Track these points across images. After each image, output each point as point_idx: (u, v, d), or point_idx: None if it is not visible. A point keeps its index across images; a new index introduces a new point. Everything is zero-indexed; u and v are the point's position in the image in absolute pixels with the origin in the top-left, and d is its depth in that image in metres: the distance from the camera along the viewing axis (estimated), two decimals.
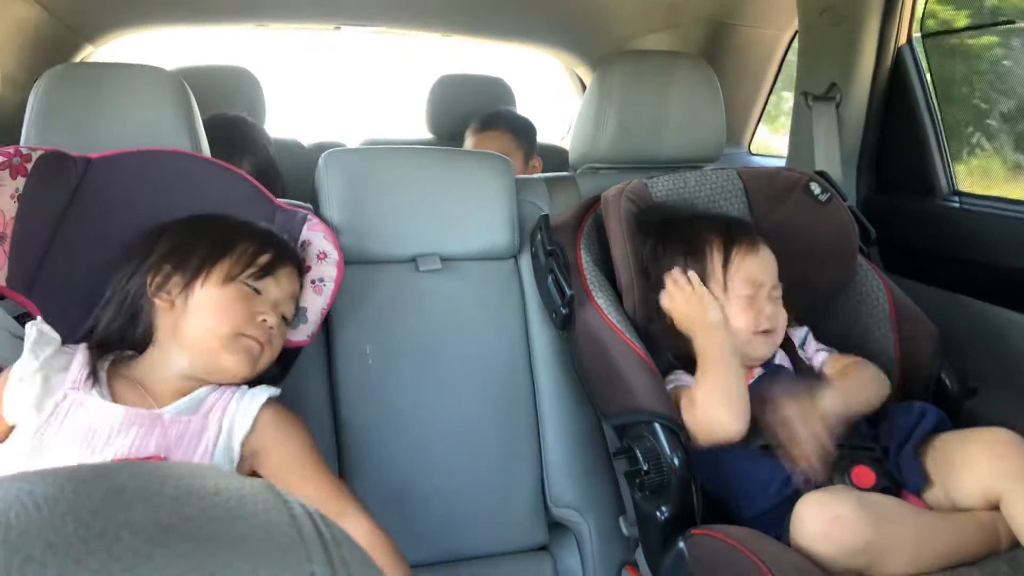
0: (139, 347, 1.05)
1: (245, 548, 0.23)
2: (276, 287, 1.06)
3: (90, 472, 0.26)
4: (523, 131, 2.15)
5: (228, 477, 0.27)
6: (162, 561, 0.21)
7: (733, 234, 1.21)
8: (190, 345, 1.00)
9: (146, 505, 0.23)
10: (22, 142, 1.21)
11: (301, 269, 1.15)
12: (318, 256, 1.20)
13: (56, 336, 1.01)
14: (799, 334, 1.28)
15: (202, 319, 1.00)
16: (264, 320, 1.02)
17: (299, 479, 0.98)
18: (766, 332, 1.17)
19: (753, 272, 1.18)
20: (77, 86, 1.25)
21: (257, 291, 1.03)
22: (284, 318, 1.08)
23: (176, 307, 1.02)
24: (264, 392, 1.03)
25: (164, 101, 1.26)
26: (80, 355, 0.99)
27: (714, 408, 1.08)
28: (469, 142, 2.13)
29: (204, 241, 1.05)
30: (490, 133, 2.08)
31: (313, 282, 1.18)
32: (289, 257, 1.10)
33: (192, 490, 0.25)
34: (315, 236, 1.22)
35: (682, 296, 1.17)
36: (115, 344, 1.04)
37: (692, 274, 1.19)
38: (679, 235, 1.23)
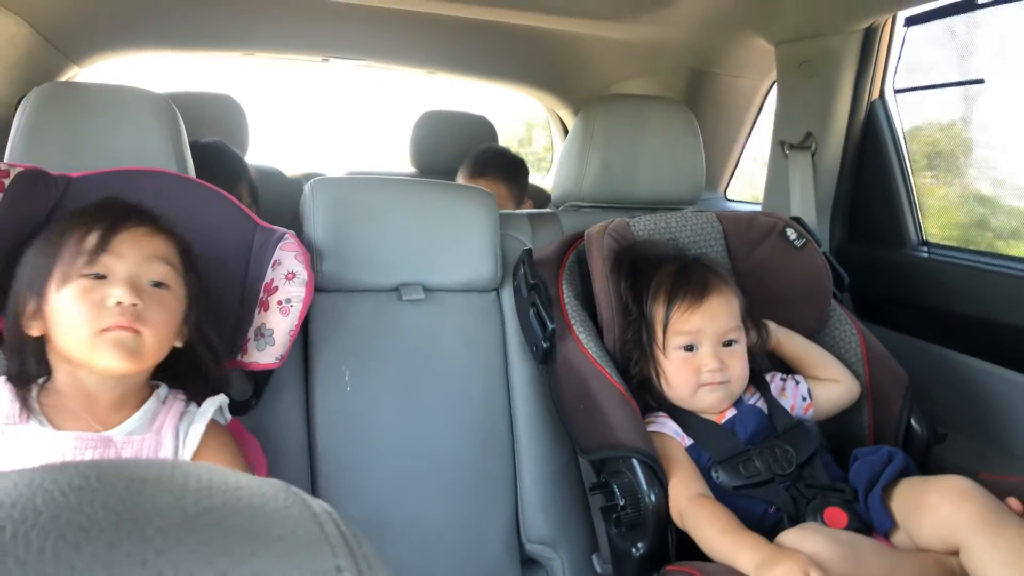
0: (48, 374, 0.96)
1: (269, 540, 0.23)
2: (119, 261, 0.92)
3: (111, 465, 0.26)
4: (515, 177, 2.16)
5: (246, 476, 0.27)
6: (192, 545, 0.21)
7: (678, 285, 1.20)
8: (72, 361, 0.92)
9: (170, 495, 0.24)
10: (7, 159, 1.21)
11: (158, 222, 1.00)
12: (286, 276, 1.16)
13: None
14: (787, 385, 1.27)
15: (61, 334, 0.91)
16: (118, 303, 0.89)
17: None
18: (714, 384, 1.17)
19: (693, 325, 1.17)
20: (64, 105, 1.25)
21: (100, 276, 0.91)
22: (158, 283, 0.95)
23: (45, 330, 0.93)
24: (211, 405, 0.99)
25: (152, 123, 1.26)
26: (3, 390, 0.92)
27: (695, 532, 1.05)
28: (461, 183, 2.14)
29: (38, 253, 0.95)
30: (484, 180, 2.10)
31: (280, 303, 1.15)
32: (125, 220, 0.95)
33: (213, 484, 0.25)
34: (286, 256, 1.18)
35: None
36: (34, 375, 0.95)
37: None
38: (640, 277, 1.24)
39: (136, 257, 0.93)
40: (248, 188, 1.72)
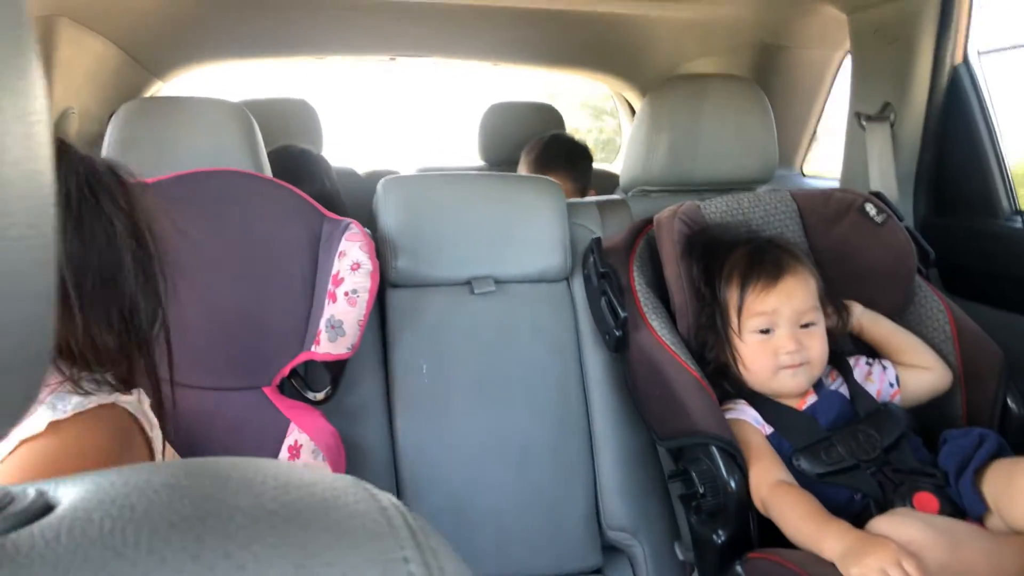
0: None
1: (340, 533, 0.24)
2: None
3: (197, 464, 0.28)
4: (580, 168, 2.15)
5: (320, 472, 0.29)
6: (271, 540, 0.23)
7: (752, 266, 1.17)
8: None
9: (250, 492, 0.25)
10: None
11: None
12: (351, 267, 1.18)
13: None
14: (873, 369, 1.23)
15: None
16: None
17: None
18: (793, 367, 1.14)
19: (769, 306, 1.14)
20: (150, 119, 1.33)
21: None
22: None
23: None
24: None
25: (230, 131, 1.32)
26: None
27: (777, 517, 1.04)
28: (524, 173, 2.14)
29: None
30: (549, 176, 2.10)
31: (347, 294, 1.17)
32: None
33: (290, 481, 0.27)
34: (351, 247, 1.20)
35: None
36: None
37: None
38: (712, 262, 1.22)
39: None
40: (333, 195, 1.76)
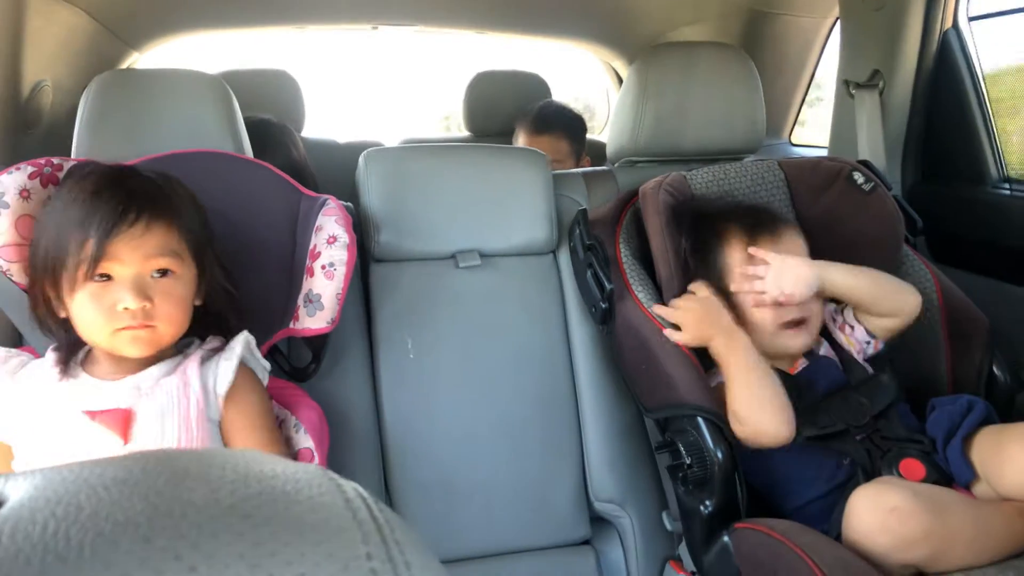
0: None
1: (301, 529, 0.23)
2: (120, 264, 0.93)
3: (154, 456, 0.27)
4: (576, 132, 2.14)
5: (284, 463, 0.28)
6: (225, 538, 0.22)
7: (753, 226, 1.18)
8: (97, 346, 0.98)
9: (206, 487, 0.24)
10: (73, 147, 1.25)
11: (159, 204, 0.97)
12: (327, 240, 1.16)
13: (20, 353, 1.03)
14: (844, 330, 1.23)
15: (81, 329, 0.96)
16: (125, 308, 0.92)
17: (248, 435, 0.99)
18: (796, 324, 1.15)
19: None
20: (125, 92, 1.29)
21: (106, 276, 0.93)
22: (165, 271, 0.96)
23: (71, 319, 0.97)
24: (237, 343, 1.01)
25: (207, 104, 1.29)
26: (49, 356, 0.99)
27: (758, 419, 1.05)
28: (522, 141, 2.11)
29: (46, 248, 0.96)
30: (546, 137, 2.07)
31: (324, 267, 1.14)
32: (119, 221, 0.93)
33: (250, 473, 0.25)
34: (327, 221, 1.18)
35: (690, 314, 1.15)
36: (81, 342, 1.00)
37: (697, 284, 1.17)
38: (706, 230, 1.22)
39: (136, 258, 0.94)
40: (300, 165, 1.72)
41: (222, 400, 0.98)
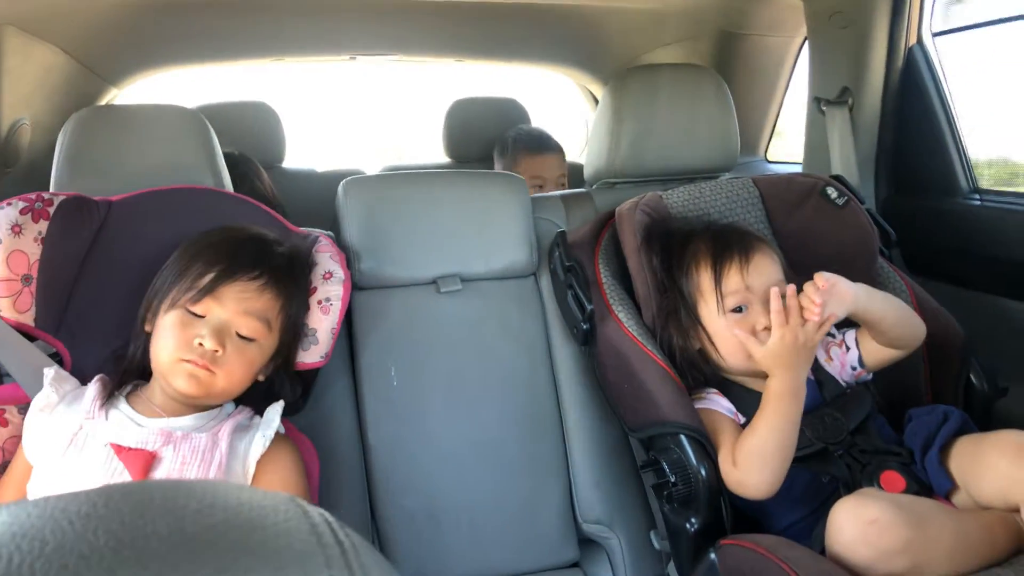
0: (146, 378, 1.07)
1: (265, 554, 0.24)
2: (220, 307, 1.00)
3: (120, 489, 0.27)
4: (560, 150, 2.18)
5: (251, 491, 0.28)
6: (187, 568, 0.22)
7: (721, 247, 1.16)
8: (155, 370, 1.02)
9: (171, 516, 0.24)
10: (52, 184, 1.25)
11: (282, 279, 1.07)
12: (324, 276, 1.18)
13: (72, 379, 1.06)
14: (831, 351, 1.20)
15: (155, 346, 1.01)
16: (200, 344, 0.98)
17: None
18: None
19: (742, 284, 1.13)
20: (103, 128, 1.29)
21: (197, 315, 1.00)
22: (243, 336, 1.02)
23: (152, 335, 1.04)
24: (274, 412, 1.05)
25: (185, 138, 1.29)
26: (93, 387, 1.02)
27: (758, 471, 1.03)
28: (523, 165, 2.09)
29: (170, 268, 1.06)
30: (548, 156, 2.09)
31: (320, 302, 1.17)
32: (242, 269, 1.02)
33: (216, 502, 0.26)
34: (322, 257, 1.21)
35: (796, 339, 1.06)
36: (135, 373, 1.06)
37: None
38: (676, 252, 1.21)
39: (235, 309, 1.01)
40: (267, 198, 1.71)
41: (253, 466, 1.00)
